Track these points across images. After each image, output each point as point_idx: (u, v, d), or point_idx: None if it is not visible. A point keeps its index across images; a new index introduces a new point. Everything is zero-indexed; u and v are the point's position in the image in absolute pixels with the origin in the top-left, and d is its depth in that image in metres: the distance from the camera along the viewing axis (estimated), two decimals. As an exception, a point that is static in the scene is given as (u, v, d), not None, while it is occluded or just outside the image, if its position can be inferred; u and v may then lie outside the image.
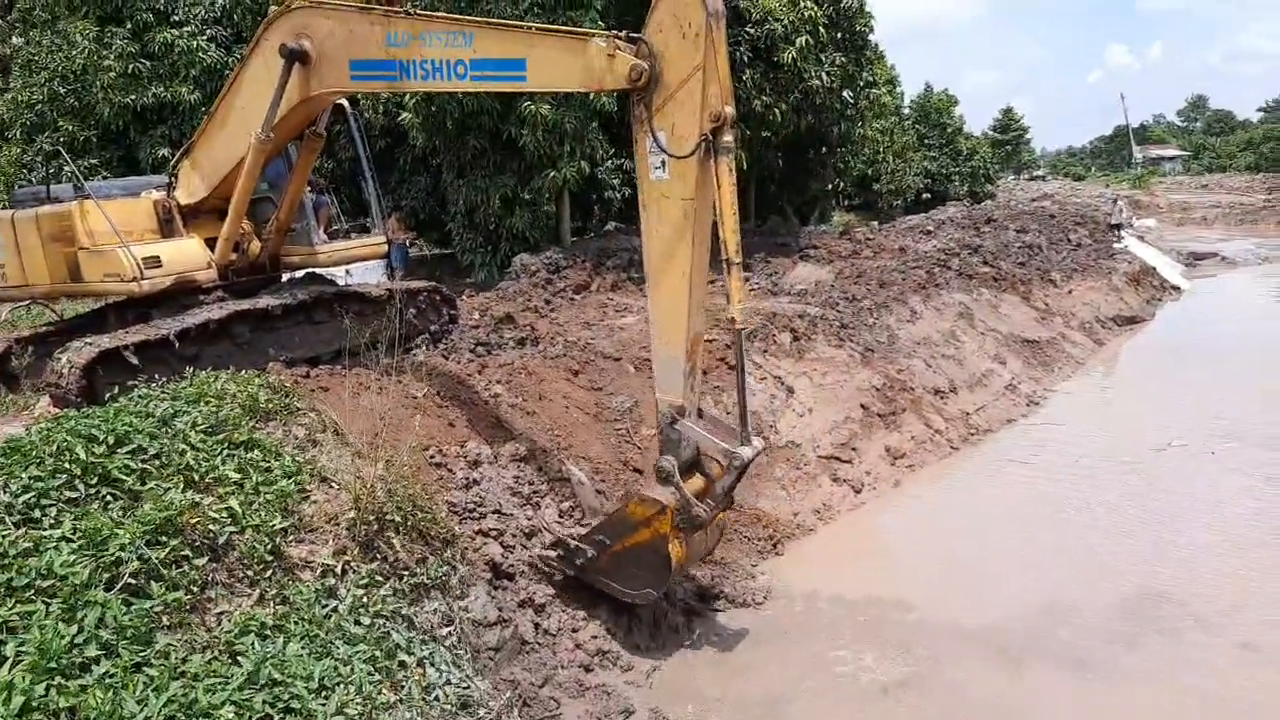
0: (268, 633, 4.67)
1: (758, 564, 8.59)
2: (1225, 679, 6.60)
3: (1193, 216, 50.33)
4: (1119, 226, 28.54)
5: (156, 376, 6.81)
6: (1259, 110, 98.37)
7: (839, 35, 21.48)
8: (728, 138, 5.80)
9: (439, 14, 9.03)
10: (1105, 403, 14.89)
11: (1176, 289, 27.31)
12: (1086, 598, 7.87)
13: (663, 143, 5.97)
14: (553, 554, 6.91)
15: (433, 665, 5.02)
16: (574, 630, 6.70)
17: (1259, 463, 11.31)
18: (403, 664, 4.90)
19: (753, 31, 19.81)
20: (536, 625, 6.50)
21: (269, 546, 5.17)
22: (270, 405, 6.60)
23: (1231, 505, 9.93)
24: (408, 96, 16.40)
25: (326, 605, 5.04)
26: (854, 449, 11.25)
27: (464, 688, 5.09)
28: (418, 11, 7.99)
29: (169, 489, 5.11)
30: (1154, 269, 27.51)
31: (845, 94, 23.42)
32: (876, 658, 6.94)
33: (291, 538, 5.45)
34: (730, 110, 5.79)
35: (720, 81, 5.73)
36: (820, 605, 7.83)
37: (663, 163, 6.02)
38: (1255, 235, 42.55)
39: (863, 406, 11.98)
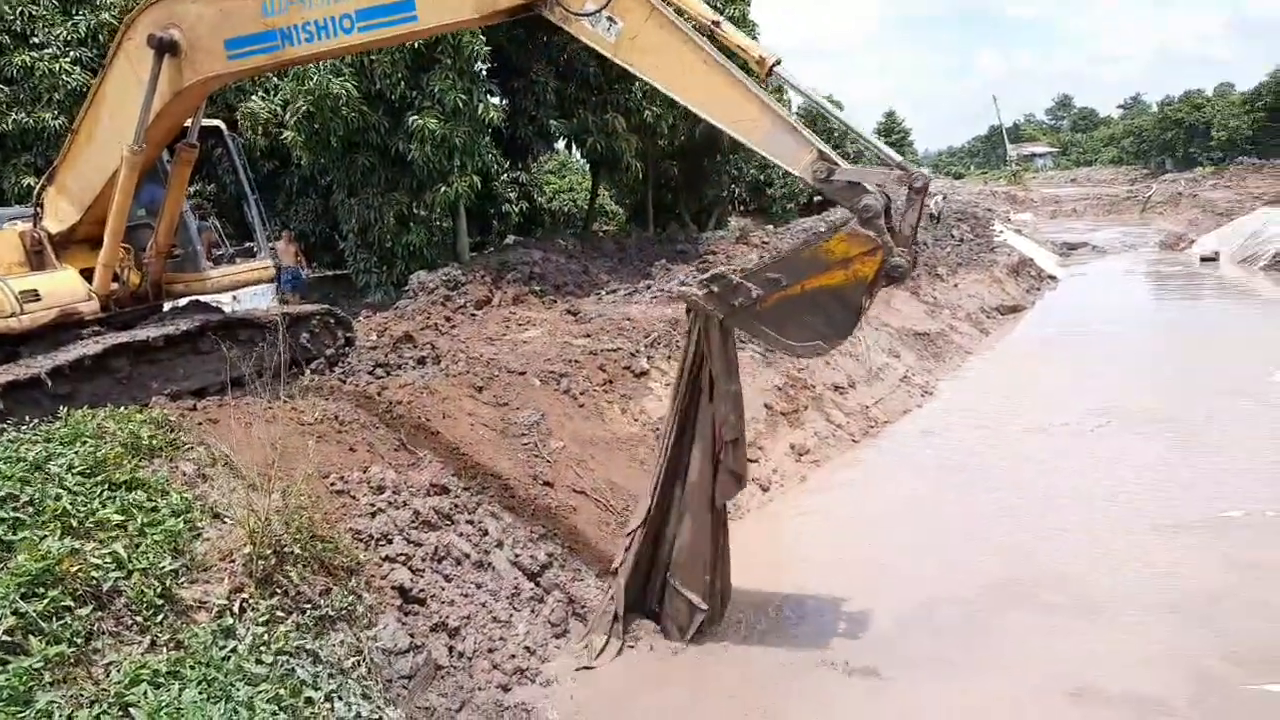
0: (161, 680, 4.43)
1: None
2: (1099, 659, 6.99)
3: (1064, 209, 53.29)
4: (936, 218, 29.98)
5: (27, 419, 6.41)
6: (1119, 108, 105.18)
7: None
8: None
9: None
10: (993, 389, 15.57)
11: (1053, 278, 28.87)
12: (974, 585, 8.16)
13: (590, 8, 6.03)
14: (700, 293, 6.28)
15: (341, 699, 4.86)
16: (490, 651, 6.59)
17: (1136, 439, 12.06)
18: (309, 700, 4.72)
19: (640, 43, 19.98)
20: (451, 649, 6.36)
21: (159, 590, 4.91)
22: (154, 441, 6.28)
23: (1113, 481, 10.54)
24: (289, 115, 15.91)
25: (224, 646, 4.81)
26: (760, 448, 11.44)
27: (375, 719, 4.94)
28: None
29: (45, 536, 4.80)
30: (1032, 260, 29.03)
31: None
32: (783, 662, 7.02)
33: (184, 579, 5.19)
34: None
35: None
36: (735, 610, 7.87)
37: (607, 21, 6.04)
38: (1120, 224, 45.39)
39: (766, 406, 12.21)
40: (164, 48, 7.21)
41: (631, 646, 7.13)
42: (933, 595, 7.98)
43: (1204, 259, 30.82)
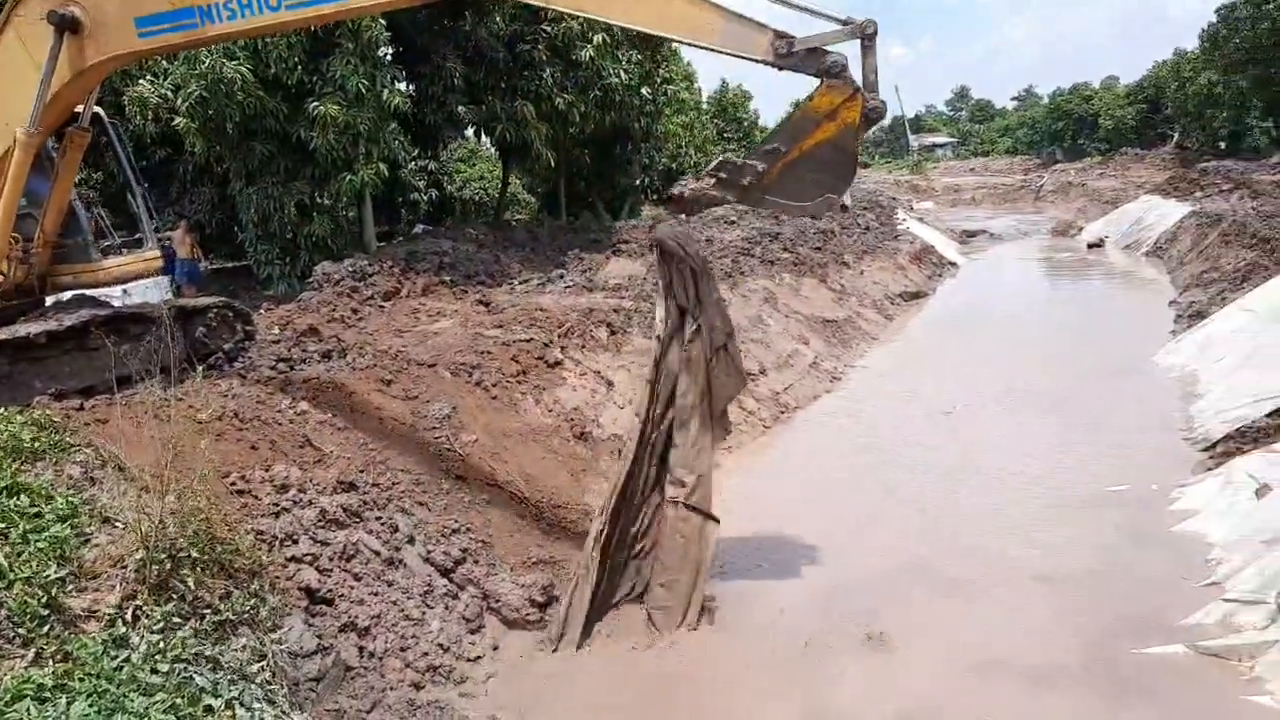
0: (47, 695, 4.20)
1: (587, 558, 8.63)
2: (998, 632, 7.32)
3: (963, 198, 55.26)
4: (846, 208, 30.97)
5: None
6: (1013, 99, 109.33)
7: (634, 33, 21.91)
8: None
9: None
10: (898, 374, 16.05)
11: (954, 264, 29.91)
12: (883, 564, 8.42)
13: None
14: (710, 182, 6.58)
15: (243, 705, 4.69)
16: (402, 650, 6.47)
17: (1032, 419, 12.63)
18: (209, 709, 4.55)
19: (550, 29, 19.84)
20: (361, 649, 6.22)
21: (43, 600, 4.65)
22: (37, 444, 5.95)
23: (1010, 460, 11.01)
24: (180, 100, 15.20)
25: (116, 657, 4.58)
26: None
27: (281, 724, 4.80)
28: None
29: (-88, 550, 4.50)
30: (933, 247, 30.00)
31: (644, 90, 23.92)
32: (700, 645, 7.12)
33: (71, 587, 4.93)
34: None
35: None
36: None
37: None
38: (1015, 212, 47.35)
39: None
40: (65, 25, 6.77)
41: (549, 643, 7.12)
42: (843, 575, 8.20)
43: (1091, 245, 32.37)
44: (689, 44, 6.40)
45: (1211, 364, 13.38)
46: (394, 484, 8.02)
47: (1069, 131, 67.17)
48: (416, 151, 23.43)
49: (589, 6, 6.42)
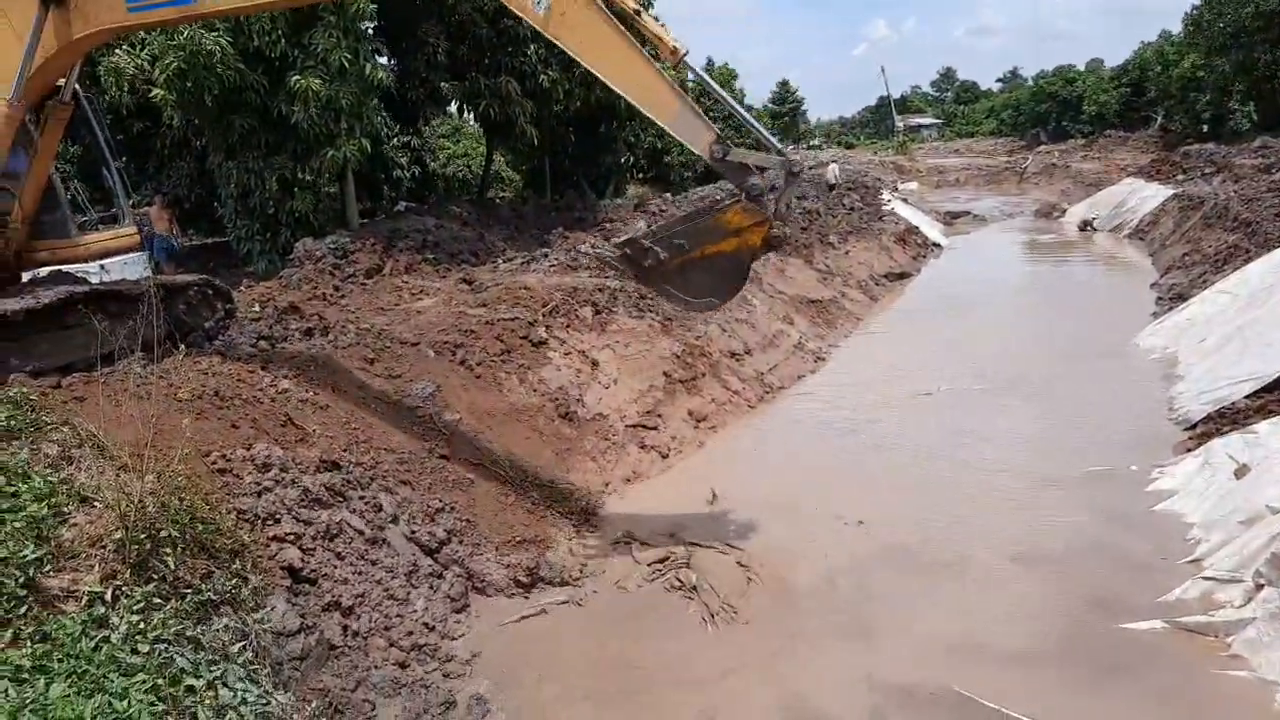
0: (25, 676, 4.14)
1: (573, 539, 8.63)
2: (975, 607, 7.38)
3: (948, 179, 55.24)
4: (834, 187, 31.07)
5: None
6: (997, 81, 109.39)
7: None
8: None
9: None
10: (883, 354, 16.10)
11: (938, 245, 29.96)
12: (864, 546, 8.46)
13: None
14: (616, 254, 7.05)
15: (225, 685, 4.64)
16: (386, 629, 6.46)
17: (1014, 400, 12.70)
18: (191, 689, 4.50)
19: (534, 5, 19.55)
20: (345, 628, 6.19)
21: (21, 580, 4.58)
22: (13, 423, 5.85)
23: (991, 441, 11.08)
24: (158, 72, 14.91)
25: (96, 637, 4.52)
26: (659, 415, 11.54)
27: (263, 704, 4.76)
28: None
29: (-115, 530, 4.41)
30: (917, 228, 30.03)
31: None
32: (680, 622, 7.15)
33: (49, 567, 4.85)
34: None
35: None
36: (633, 582, 7.90)
37: None
38: (999, 194, 47.45)
39: (665, 374, 12.29)
40: None
41: (536, 618, 7.12)
42: (825, 557, 8.23)
43: (1082, 226, 32.52)
44: (644, 113, 6.90)
45: (1192, 346, 13.49)
46: (377, 463, 7.97)
47: (1053, 114, 67.20)
48: (399, 127, 23.14)
49: (576, 47, 6.81)
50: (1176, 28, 48.39)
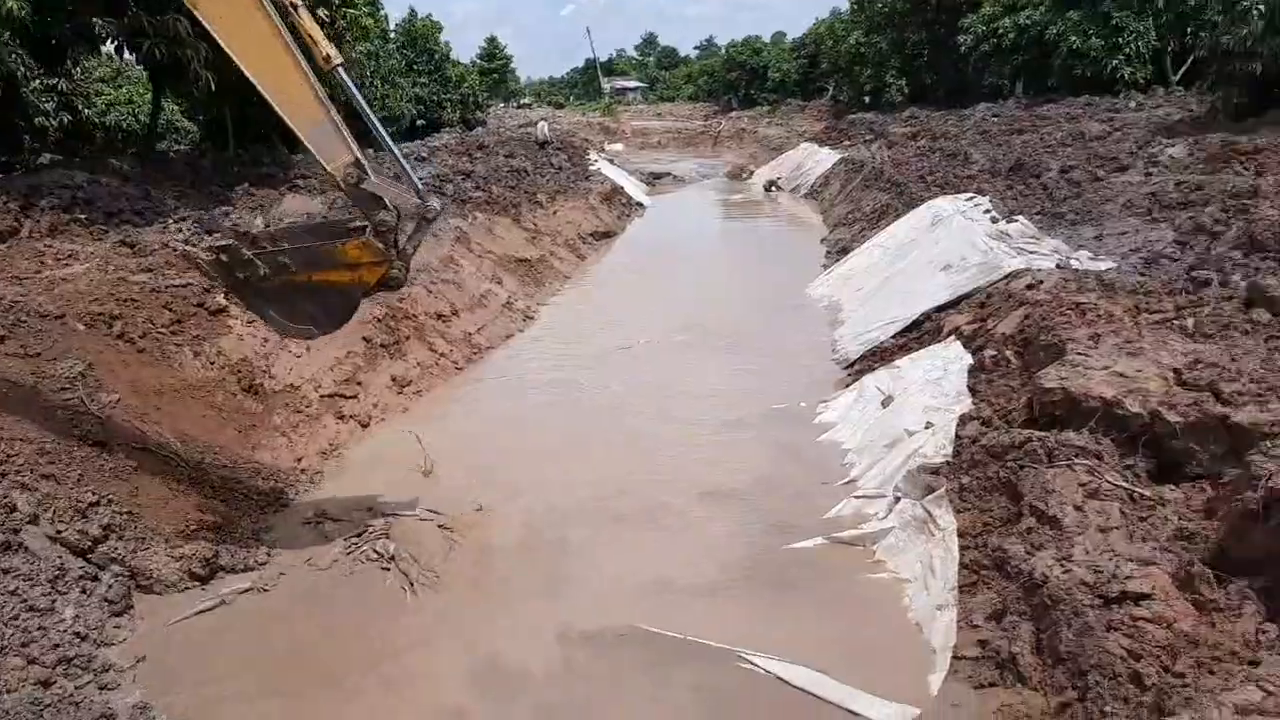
0: None
1: (260, 522, 8.03)
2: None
3: (651, 141, 57.73)
4: (545, 144, 31.80)
5: None
6: (695, 48, 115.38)
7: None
8: None
9: None
10: (589, 311, 16.55)
11: (641, 205, 31.23)
12: (569, 499, 8.64)
13: None
14: (211, 258, 6.32)
15: None
16: (24, 645, 5.61)
17: (707, 350, 13.59)
18: None
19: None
20: (-32, 651, 5.30)
21: None
22: None
23: (688, 389, 11.79)
24: None
25: None
26: (359, 383, 11.03)
27: None
28: None
29: None
30: (622, 189, 31.09)
31: (320, 12, 22.02)
32: (364, 608, 6.91)
33: None
34: None
35: None
36: (327, 559, 7.49)
37: None
38: (697, 156, 50.34)
39: (365, 339, 11.73)
40: None
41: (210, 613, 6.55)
42: (527, 516, 8.32)
43: (767, 187, 35.28)
44: (281, 115, 6.14)
45: (851, 294, 15.20)
46: (10, 456, 6.85)
47: (742, 82, 72.02)
48: (41, 70, 19.84)
49: (213, 21, 5.96)
50: (845, 5, 53.63)
